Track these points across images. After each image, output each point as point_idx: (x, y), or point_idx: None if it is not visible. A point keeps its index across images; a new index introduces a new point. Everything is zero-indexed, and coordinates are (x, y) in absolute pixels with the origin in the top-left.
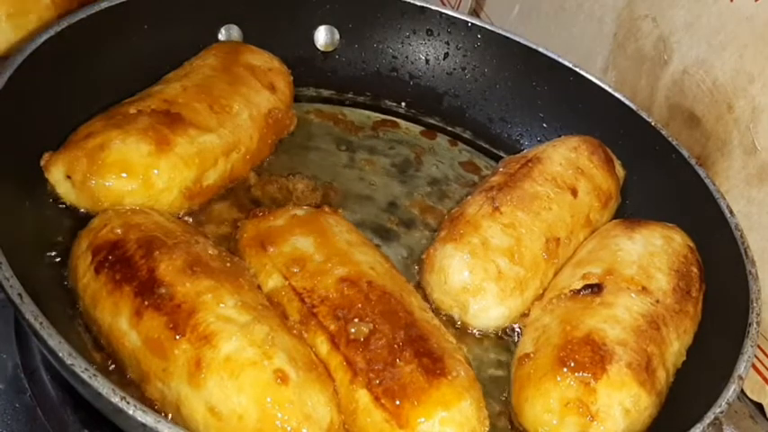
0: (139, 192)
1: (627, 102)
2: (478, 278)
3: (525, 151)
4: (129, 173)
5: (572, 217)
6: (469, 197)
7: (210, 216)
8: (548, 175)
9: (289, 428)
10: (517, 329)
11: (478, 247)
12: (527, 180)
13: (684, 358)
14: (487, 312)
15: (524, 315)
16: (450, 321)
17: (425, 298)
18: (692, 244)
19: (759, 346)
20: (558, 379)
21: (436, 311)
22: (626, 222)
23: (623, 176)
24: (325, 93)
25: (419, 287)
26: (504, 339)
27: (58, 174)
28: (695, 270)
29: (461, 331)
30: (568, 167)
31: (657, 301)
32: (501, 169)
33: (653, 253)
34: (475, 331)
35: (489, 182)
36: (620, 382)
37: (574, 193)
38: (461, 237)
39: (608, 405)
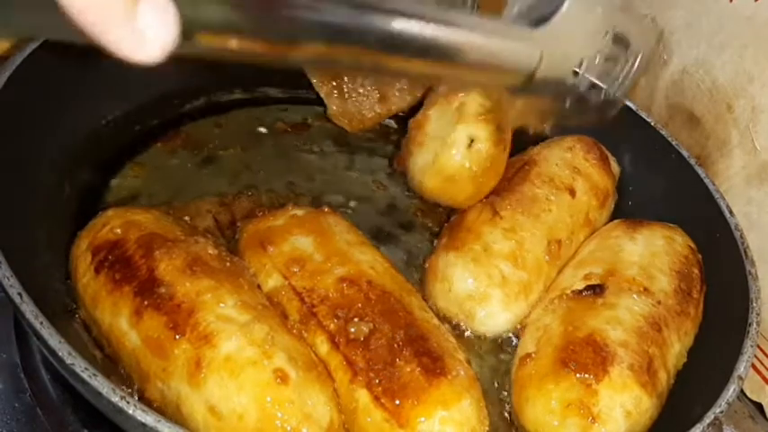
0: None
1: (627, 102)
2: (483, 285)
3: (520, 154)
4: None
5: (571, 217)
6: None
7: None
8: (545, 177)
9: (288, 428)
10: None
11: (481, 254)
12: (525, 183)
13: (685, 359)
14: (494, 319)
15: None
16: (456, 329)
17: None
18: (692, 245)
19: (759, 346)
20: (560, 380)
21: (441, 321)
22: (627, 222)
23: (618, 173)
24: None
25: (419, 287)
26: (505, 340)
27: None
28: (696, 271)
29: (461, 331)
30: (565, 167)
31: (659, 303)
32: None
33: (654, 253)
34: (480, 335)
35: None
36: (622, 384)
37: (572, 193)
38: (463, 244)
39: (609, 407)
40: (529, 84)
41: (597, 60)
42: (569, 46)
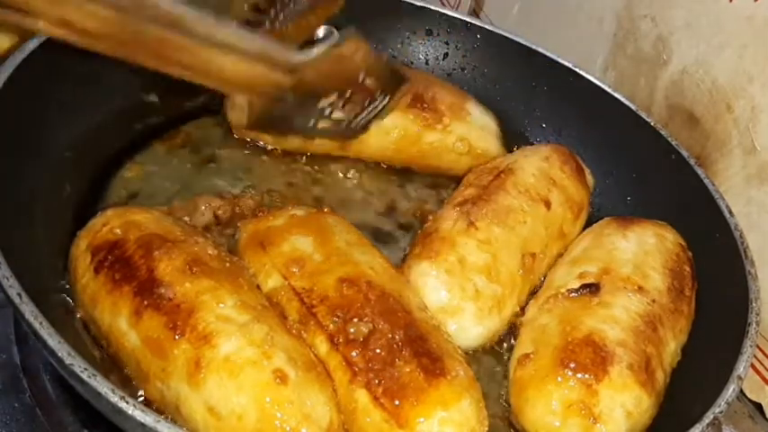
0: None
1: (626, 102)
2: (456, 298)
3: (496, 161)
4: None
5: (546, 229)
6: (441, 211)
7: None
8: (521, 187)
9: (288, 428)
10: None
11: (455, 265)
12: (500, 192)
13: (680, 358)
14: (466, 333)
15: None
16: None
17: None
18: (683, 242)
19: (758, 346)
20: (560, 380)
21: None
22: (618, 220)
23: (593, 185)
24: None
25: None
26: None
27: None
28: (687, 269)
29: None
30: (541, 178)
31: (654, 301)
32: (473, 181)
33: (647, 251)
34: None
35: (462, 195)
36: (622, 383)
37: (547, 205)
38: (437, 254)
39: (610, 407)
40: (282, 95)
41: (348, 95)
42: (322, 78)
